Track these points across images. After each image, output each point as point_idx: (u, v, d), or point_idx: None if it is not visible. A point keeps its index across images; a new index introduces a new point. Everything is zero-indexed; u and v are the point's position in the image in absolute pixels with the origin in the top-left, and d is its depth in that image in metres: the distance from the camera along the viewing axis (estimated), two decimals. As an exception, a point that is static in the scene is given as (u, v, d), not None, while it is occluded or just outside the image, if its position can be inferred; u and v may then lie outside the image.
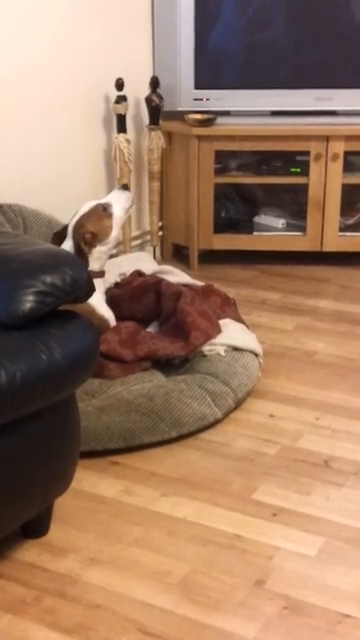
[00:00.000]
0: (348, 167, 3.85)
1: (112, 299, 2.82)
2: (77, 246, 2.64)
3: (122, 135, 3.65)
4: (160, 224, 4.04)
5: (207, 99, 3.86)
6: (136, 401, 2.42)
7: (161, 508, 2.15)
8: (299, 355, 3.03)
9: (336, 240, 3.90)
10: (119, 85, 3.58)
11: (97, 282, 2.61)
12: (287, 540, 2.02)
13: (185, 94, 3.85)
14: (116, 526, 2.08)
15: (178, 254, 4.12)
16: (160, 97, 3.75)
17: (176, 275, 3.12)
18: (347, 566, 1.93)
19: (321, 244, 3.90)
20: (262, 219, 4.06)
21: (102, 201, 2.74)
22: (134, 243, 3.96)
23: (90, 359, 1.85)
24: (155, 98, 3.74)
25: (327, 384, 2.81)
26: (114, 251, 3.69)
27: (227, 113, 3.91)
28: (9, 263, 1.83)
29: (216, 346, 2.68)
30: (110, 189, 3.78)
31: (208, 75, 3.85)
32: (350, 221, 3.99)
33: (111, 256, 2.99)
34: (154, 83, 3.74)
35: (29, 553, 1.98)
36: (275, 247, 3.97)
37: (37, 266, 1.82)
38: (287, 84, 3.86)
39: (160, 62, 3.90)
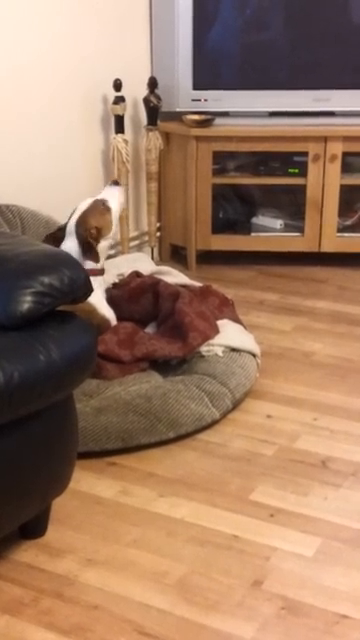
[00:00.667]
0: (346, 168, 3.86)
1: (110, 300, 2.81)
2: (85, 242, 2.64)
3: (120, 136, 3.65)
4: (158, 225, 4.04)
5: (205, 100, 3.86)
6: (134, 402, 2.42)
7: (159, 509, 2.15)
8: (297, 356, 3.03)
9: (334, 241, 3.90)
10: (117, 86, 3.58)
11: (97, 280, 2.62)
12: (284, 541, 2.02)
13: (183, 95, 3.85)
14: (114, 527, 2.08)
15: (176, 255, 4.12)
16: (158, 98, 3.75)
17: (174, 276, 3.12)
18: (344, 567, 1.93)
19: (319, 245, 3.90)
20: (260, 220, 4.06)
21: (98, 197, 2.75)
22: (132, 244, 3.96)
23: (88, 360, 1.85)
24: (153, 99, 3.74)
25: (325, 385, 2.81)
26: (112, 252, 3.70)
27: (225, 114, 3.91)
28: (7, 264, 1.83)
29: (214, 347, 2.68)
30: (108, 190, 3.79)
31: (206, 76, 3.85)
32: (348, 222, 3.99)
33: (109, 257, 3.00)
34: (152, 84, 3.74)
35: (27, 554, 1.98)
36: (273, 248, 3.97)
37: (35, 267, 1.82)
38: (285, 85, 3.86)
39: (158, 63, 3.90)
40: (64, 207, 3.06)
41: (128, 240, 3.83)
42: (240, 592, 1.85)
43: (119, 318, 2.78)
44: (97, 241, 2.68)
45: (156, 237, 4.04)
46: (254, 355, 2.74)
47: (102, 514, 2.13)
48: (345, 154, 3.80)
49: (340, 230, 3.92)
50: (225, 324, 2.82)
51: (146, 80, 3.76)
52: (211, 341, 2.68)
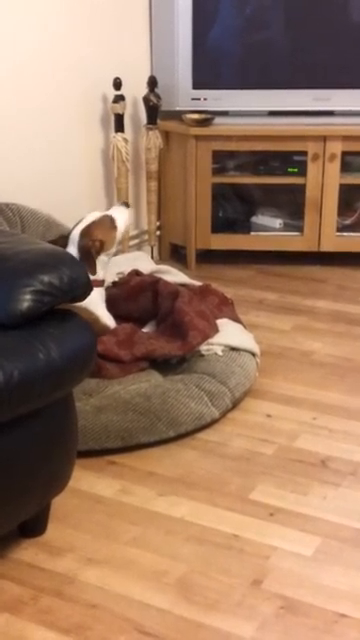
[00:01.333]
0: (345, 167, 3.86)
1: (109, 298, 2.81)
2: (87, 251, 2.64)
3: (120, 134, 3.65)
4: (158, 224, 4.04)
5: (205, 99, 3.86)
6: (133, 401, 2.42)
7: (158, 508, 2.15)
8: (296, 355, 3.03)
9: (333, 240, 3.90)
10: (117, 84, 3.58)
11: (99, 291, 2.64)
12: (284, 540, 2.02)
13: (183, 94, 3.85)
14: (113, 526, 2.08)
15: (176, 254, 4.12)
16: (158, 97, 3.75)
17: (173, 275, 3.12)
18: (344, 566, 1.93)
19: (318, 244, 3.90)
20: (259, 219, 4.06)
21: (107, 213, 2.76)
22: (132, 243, 3.96)
23: (88, 358, 1.85)
24: (153, 98, 3.74)
25: (324, 384, 2.81)
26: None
27: (225, 113, 3.91)
28: (7, 262, 1.83)
29: (213, 346, 2.68)
30: (108, 189, 3.79)
31: (206, 75, 3.85)
32: (347, 221, 3.99)
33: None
34: (152, 83, 3.74)
35: (26, 552, 1.98)
36: (272, 247, 3.97)
37: (35, 265, 1.82)
38: (285, 84, 3.86)
39: (158, 62, 3.90)
40: (64, 206, 3.06)
41: (128, 239, 3.83)
42: (240, 591, 1.85)
43: (118, 317, 2.78)
44: (98, 254, 2.69)
45: (156, 236, 4.04)
46: (253, 354, 2.74)
47: (102, 513, 2.13)
48: (344, 153, 3.80)
49: (339, 229, 3.92)
50: (224, 323, 2.82)
51: (146, 79, 3.75)
52: (211, 340, 2.69)
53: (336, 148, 3.77)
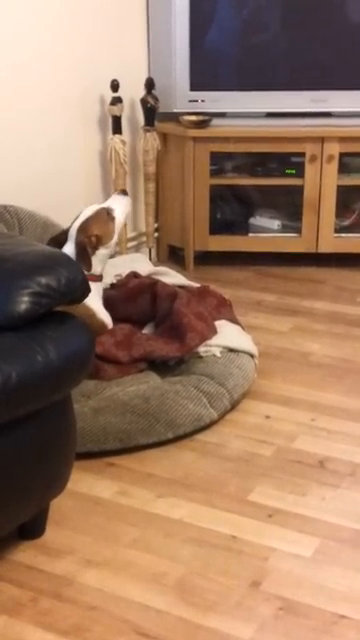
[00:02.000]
0: (343, 168, 3.86)
1: (107, 300, 2.81)
2: (82, 248, 2.64)
3: (117, 136, 3.65)
4: (156, 225, 4.04)
5: (202, 100, 3.86)
6: (132, 402, 2.42)
7: (157, 509, 2.15)
8: (295, 356, 3.03)
9: (331, 241, 3.90)
10: (114, 86, 3.59)
11: (96, 286, 2.63)
12: (283, 541, 2.02)
13: (180, 95, 3.85)
14: (112, 527, 2.08)
15: (174, 255, 4.12)
16: (155, 98, 3.75)
17: (172, 276, 3.11)
18: (343, 567, 1.93)
19: (316, 245, 3.91)
20: (257, 220, 4.06)
21: (104, 205, 2.75)
22: (130, 244, 3.96)
23: (86, 360, 1.85)
24: (150, 99, 3.74)
25: (323, 385, 2.81)
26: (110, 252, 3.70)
27: (222, 114, 3.91)
28: (4, 264, 1.83)
29: (212, 347, 2.68)
30: (106, 190, 3.79)
31: (203, 76, 3.85)
32: (345, 222, 3.99)
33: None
34: (149, 84, 3.74)
35: (25, 554, 1.98)
36: (270, 248, 3.97)
37: (32, 267, 1.82)
38: (282, 86, 3.86)
39: (155, 63, 3.90)
40: (62, 208, 3.06)
41: (126, 241, 3.83)
42: (238, 592, 1.85)
43: (116, 319, 2.77)
44: (96, 249, 2.67)
45: (154, 238, 4.04)
46: (252, 356, 2.74)
47: (101, 515, 2.13)
48: (342, 155, 3.80)
49: (337, 231, 3.92)
50: (223, 325, 2.82)
51: (143, 81, 3.76)
52: (209, 342, 2.68)
53: (334, 149, 3.77)
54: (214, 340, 2.70)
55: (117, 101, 3.60)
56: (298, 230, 3.92)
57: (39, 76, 3.32)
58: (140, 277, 3.02)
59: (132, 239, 4.01)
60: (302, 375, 2.88)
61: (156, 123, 3.82)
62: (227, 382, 2.58)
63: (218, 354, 2.66)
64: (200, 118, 3.82)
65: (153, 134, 3.80)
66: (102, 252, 2.71)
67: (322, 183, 3.82)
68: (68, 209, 2.79)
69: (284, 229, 4.01)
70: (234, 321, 2.91)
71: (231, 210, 4.06)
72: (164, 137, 3.90)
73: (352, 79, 3.84)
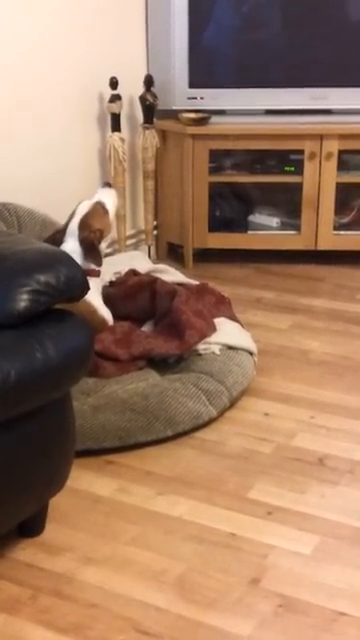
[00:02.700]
0: (342, 166, 3.86)
1: (107, 298, 2.81)
2: (90, 243, 2.64)
3: (116, 134, 3.64)
4: (155, 223, 4.04)
5: (201, 98, 3.86)
6: (131, 400, 2.42)
7: (157, 507, 2.15)
8: (294, 354, 3.03)
9: (330, 239, 3.90)
10: (113, 84, 3.58)
11: (95, 282, 2.63)
12: (282, 538, 2.02)
13: (179, 93, 3.85)
14: (112, 525, 2.08)
15: (173, 253, 4.12)
16: (154, 96, 3.75)
17: (171, 274, 3.11)
18: (342, 564, 1.93)
19: (315, 243, 3.91)
20: (256, 218, 4.06)
21: (97, 200, 2.76)
22: (129, 242, 3.96)
23: (85, 358, 1.85)
24: (149, 97, 3.74)
25: (322, 383, 2.81)
26: (109, 250, 3.70)
27: (221, 112, 3.91)
28: (3, 262, 1.83)
29: (211, 345, 2.68)
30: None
31: (202, 74, 3.84)
32: (344, 220, 3.99)
33: (107, 255, 3.00)
34: (148, 82, 3.74)
35: (25, 552, 1.98)
36: (270, 246, 3.97)
37: (31, 265, 1.82)
38: (281, 83, 3.86)
39: (154, 61, 3.90)
40: (61, 205, 3.05)
41: (125, 238, 3.83)
42: (238, 590, 1.85)
43: (116, 316, 2.77)
44: (99, 243, 2.70)
45: (153, 235, 4.04)
46: (251, 353, 2.74)
47: (100, 512, 2.13)
48: (341, 152, 3.80)
49: (336, 228, 3.92)
50: (222, 322, 2.82)
51: (142, 78, 3.75)
52: (208, 339, 2.69)
53: (333, 147, 3.77)
54: (213, 338, 2.70)
55: (116, 98, 3.60)
56: (297, 227, 3.92)
57: (38, 74, 3.31)
58: (139, 275, 3.02)
59: (131, 237, 4.01)
60: (301, 372, 2.88)
61: (155, 120, 3.82)
62: (226, 380, 2.58)
63: (217, 352, 2.66)
64: (199, 115, 3.82)
65: (152, 131, 3.80)
66: (102, 246, 2.73)
67: (321, 180, 3.82)
68: (67, 207, 2.79)
69: (283, 226, 4.01)
70: (233, 319, 2.91)
71: (230, 207, 4.06)
72: (163, 134, 3.90)
73: (351, 76, 3.84)
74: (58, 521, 2.08)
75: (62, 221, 2.91)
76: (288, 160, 3.90)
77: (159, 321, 2.80)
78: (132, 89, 3.77)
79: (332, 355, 3.02)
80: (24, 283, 1.77)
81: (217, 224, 3.96)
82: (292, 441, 2.45)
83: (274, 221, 4.01)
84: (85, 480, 2.26)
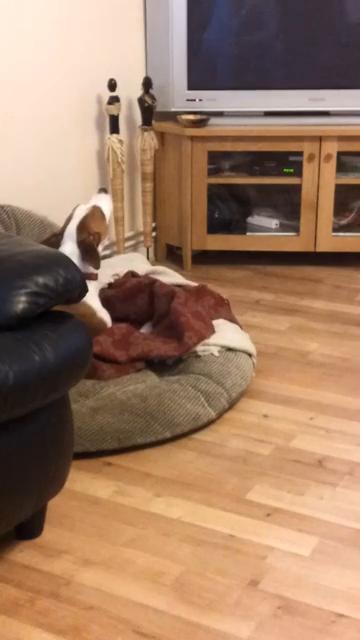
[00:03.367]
0: (341, 167, 3.86)
1: (105, 300, 2.81)
2: (88, 246, 2.65)
3: (115, 136, 3.65)
4: (153, 225, 4.04)
5: (200, 100, 3.86)
6: (129, 402, 2.42)
7: (155, 509, 2.15)
8: (293, 355, 3.03)
9: (330, 240, 3.90)
10: (112, 86, 3.58)
11: (93, 285, 2.63)
12: (281, 540, 2.02)
13: (178, 95, 3.85)
14: (110, 527, 2.08)
15: (171, 255, 4.12)
16: (153, 98, 3.75)
17: (169, 276, 3.11)
18: (341, 566, 1.93)
19: (315, 244, 3.91)
20: (255, 220, 4.06)
21: (94, 204, 2.76)
22: (127, 244, 3.96)
23: (83, 360, 1.85)
24: (148, 99, 3.74)
25: (321, 384, 2.81)
26: (107, 252, 3.71)
27: (220, 114, 3.91)
28: (1, 264, 1.83)
29: (210, 346, 2.68)
30: (103, 190, 3.78)
31: (201, 76, 3.85)
32: (343, 221, 3.99)
33: (104, 257, 3.00)
34: (147, 84, 3.74)
35: (22, 554, 1.98)
36: (269, 248, 3.97)
37: (30, 267, 1.82)
38: (280, 85, 3.87)
39: (153, 63, 3.90)
40: (59, 207, 3.06)
41: (123, 240, 3.83)
42: (236, 592, 1.85)
43: (114, 318, 2.77)
44: (97, 246, 2.70)
45: (151, 237, 4.04)
46: (250, 355, 2.74)
47: (98, 514, 2.13)
48: (340, 154, 3.81)
49: (335, 230, 3.92)
50: (221, 324, 2.82)
51: (141, 80, 3.76)
52: (207, 341, 2.68)
53: (332, 148, 3.77)
54: (212, 339, 2.70)
55: (114, 100, 3.60)
56: (296, 229, 3.93)
57: (37, 75, 3.31)
58: (138, 276, 3.02)
59: (130, 238, 4.01)
60: (300, 374, 2.88)
61: (154, 122, 3.82)
62: (225, 381, 2.58)
63: (216, 353, 2.66)
64: (198, 117, 3.82)
65: (151, 133, 3.80)
66: (99, 250, 2.73)
67: (320, 182, 3.82)
68: (65, 209, 2.79)
69: (282, 228, 4.01)
70: (232, 320, 2.91)
71: (229, 209, 4.06)
72: (162, 136, 3.90)
73: (350, 78, 3.84)
74: (56, 523, 2.08)
75: (61, 223, 2.91)
76: (287, 162, 3.91)
77: (158, 323, 2.80)
78: (131, 91, 3.77)
79: (331, 356, 3.02)
80: (22, 285, 1.77)
81: (216, 226, 3.96)
82: (291, 443, 2.45)
83: (273, 223, 4.01)
84: (83, 482, 2.26)
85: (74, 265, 1.89)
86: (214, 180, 3.92)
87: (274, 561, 1.95)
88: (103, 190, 2.87)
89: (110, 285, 2.98)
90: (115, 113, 3.62)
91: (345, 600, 1.82)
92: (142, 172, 3.87)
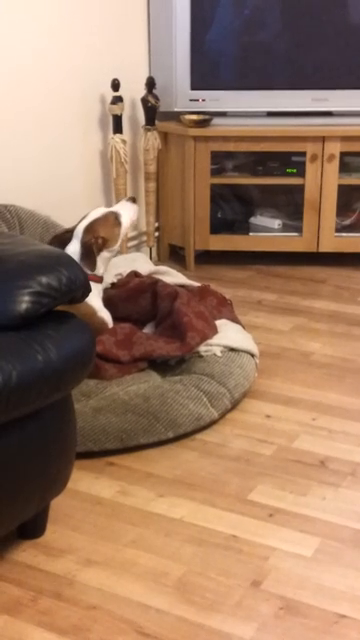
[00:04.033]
0: (344, 168, 3.86)
1: (108, 299, 2.82)
2: (88, 248, 2.65)
3: (118, 136, 3.65)
4: (156, 225, 4.04)
5: (203, 100, 3.86)
6: (132, 402, 2.42)
7: (157, 509, 2.15)
8: (295, 356, 3.03)
9: (332, 241, 3.90)
10: (115, 86, 3.59)
11: (97, 287, 2.64)
12: (283, 541, 2.02)
13: (181, 95, 3.85)
14: (112, 527, 2.08)
15: (174, 255, 4.12)
16: (156, 98, 3.75)
17: (172, 276, 3.11)
18: (343, 567, 1.93)
19: (317, 245, 3.91)
20: (258, 220, 4.06)
21: (112, 209, 2.76)
22: (130, 244, 3.96)
23: (86, 360, 1.85)
24: (151, 99, 3.74)
25: (323, 385, 2.81)
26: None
27: (223, 114, 3.91)
28: (5, 264, 1.83)
29: (212, 347, 2.68)
30: (106, 190, 3.79)
31: (204, 76, 3.85)
32: (346, 222, 3.99)
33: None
34: (150, 83, 3.74)
35: (25, 554, 1.98)
36: (271, 248, 3.97)
37: (33, 267, 1.82)
38: (283, 85, 3.87)
39: (156, 62, 3.90)
40: (62, 207, 3.06)
41: (126, 240, 3.83)
42: (239, 592, 1.85)
43: (117, 318, 2.77)
44: (100, 251, 2.69)
45: (154, 237, 4.04)
46: (252, 355, 2.74)
47: (101, 514, 2.13)
48: (343, 154, 3.81)
49: (338, 230, 3.92)
50: (223, 324, 2.82)
51: (144, 80, 3.76)
52: (209, 341, 2.68)
53: (335, 149, 3.77)
54: (215, 339, 2.70)
55: (118, 100, 3.60)
56: (299, 229, 3.92)
57: (40, 75, 3.32)
58: (141, 276, 3.02)
59: (133, 238, 4.01)
60: (303, 374, 2.88)
61: (157, 122, 3.82)
62: (228, 381, 2.58)
63: (219, 353, 2.66)
64: (201, 117, 3.82)
65: (154, 133, 3.80)
66: (105, 255, 2.72)
67: (323, 182, 3.82)
68: (69, 208, 2.79)
69: (285, 228, 4.01)
70: (235, 320, 2.91)
71: (232, 209, 4.06)
72: (165, 136, 3.90)
73: (353, 78, 3.84)
74: (59, 523, 2.08)
75: (64, 223, 2.92)
76: (290, 162, 3.91)
77: (160, 323, 2.80)
78: (134, 91, 3.77)
79: (334, 357, 3.01)
80: (26, 285, 1.77)
81: (219, 226, 3.96)
82: (293, 443, 2.45)
83: (276, 223, 4.01)
84: (86, 482, 2.26)
85: (77, 265, 1.89)
86: (217, 180, 3.92)
87: (276, 561, 1.95)
88: (131, 199, 2.85)
89: (113, 285, 2.98)
90: (118, 113, 3.62)
91: (347, 601, 1.82)
92: (145, 172, 3.88)
